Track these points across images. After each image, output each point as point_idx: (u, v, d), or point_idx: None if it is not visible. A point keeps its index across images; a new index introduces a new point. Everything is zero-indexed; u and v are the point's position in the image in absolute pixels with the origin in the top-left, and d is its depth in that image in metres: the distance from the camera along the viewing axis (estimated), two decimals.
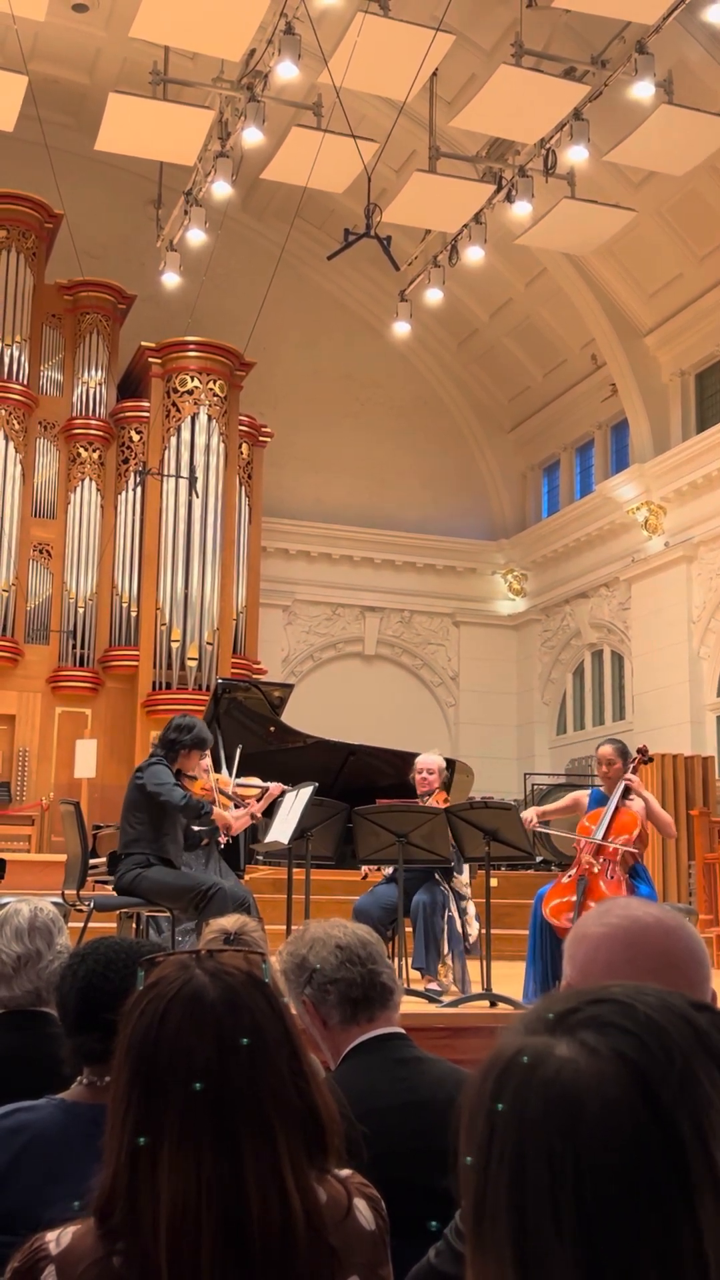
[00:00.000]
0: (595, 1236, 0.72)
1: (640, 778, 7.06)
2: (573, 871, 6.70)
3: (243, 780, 7.59)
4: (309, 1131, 1.41)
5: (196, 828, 6.97)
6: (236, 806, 7.29)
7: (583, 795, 7.12)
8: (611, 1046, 0.77)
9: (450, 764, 9.85)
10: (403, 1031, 2.53)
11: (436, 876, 7.14)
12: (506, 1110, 0.77)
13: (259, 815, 7.28)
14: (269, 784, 7.32)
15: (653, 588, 16.62)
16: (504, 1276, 0.75)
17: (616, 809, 6.68)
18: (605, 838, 6.58)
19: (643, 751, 7.20)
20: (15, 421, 16.34)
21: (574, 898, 6.50)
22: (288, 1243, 1.35)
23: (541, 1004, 0.85)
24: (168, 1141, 1.34)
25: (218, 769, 7.88)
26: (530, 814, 7.00)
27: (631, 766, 6.86)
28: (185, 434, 16.68)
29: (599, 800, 6.89)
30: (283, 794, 7.07)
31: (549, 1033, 0.80)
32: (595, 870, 6.52)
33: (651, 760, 7.59)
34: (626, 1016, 0.79)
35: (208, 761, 7.21)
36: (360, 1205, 1.52)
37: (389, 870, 7.21)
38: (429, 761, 7.78)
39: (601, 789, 6.97)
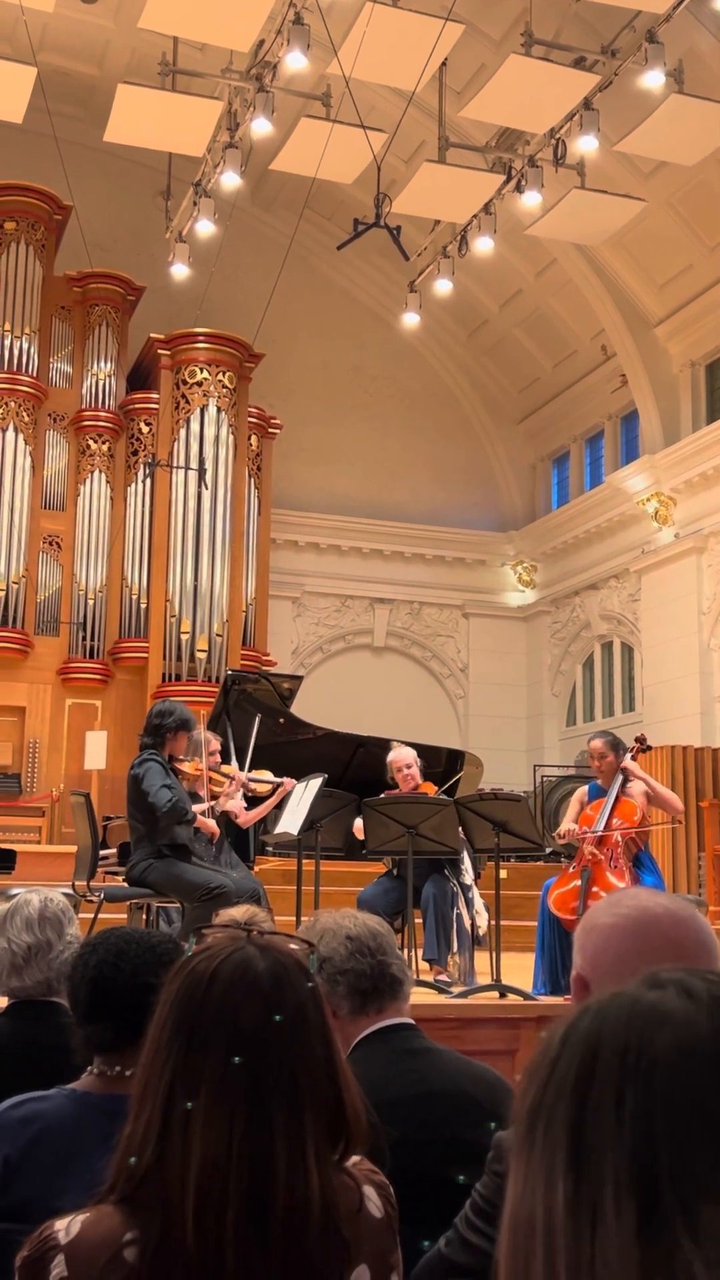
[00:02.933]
0: (655, 1122, 0.77)
1: (639, 768, 7.03)
2: (577, 863, 6.69)
3: (255, 775, 7.58)
4: (334, 1121, 1.42)
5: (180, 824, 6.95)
6: (246, 798, 7.28)
7: (581, 791, 7.08)
8: (709, 992, 0.83)
9: (459, 755, 9.85)
10: (412, 1022, 2.54)
11: (446, 873, 7.11)
12: (589, 1022, 0.83)
13: (269, 807, 7.29)
14: (281, 779, 7.30)
15: (663, 579, 16.60)
16: (553, 1167, 0.80)
17: (616, 798, 6.68)
18: (607, 827, 6.58)
19: (640, 740, 7.18)
20: (25, 414, 16.35)
21: (578, 886, 6.50)
22: (305, 1227, 1.36)
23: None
24: (204, 1095, 1.35)
25: (227, 760, 7.88)
26: (572, 828, 6.81)
27: (629, 754, 6.85)
28: (194, 426, 16.67)
29: (598, 792, 6.88)
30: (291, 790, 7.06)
31: (641, 987, 0.86)
32: (599, 861, 6.52)
33: (650, 749, 7.57)
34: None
35: (217, 758, 7.22)
36: (370, 1193, 1.52)
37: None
38: (403, 756, 7.50)
39: (599, 782, 6.95)
